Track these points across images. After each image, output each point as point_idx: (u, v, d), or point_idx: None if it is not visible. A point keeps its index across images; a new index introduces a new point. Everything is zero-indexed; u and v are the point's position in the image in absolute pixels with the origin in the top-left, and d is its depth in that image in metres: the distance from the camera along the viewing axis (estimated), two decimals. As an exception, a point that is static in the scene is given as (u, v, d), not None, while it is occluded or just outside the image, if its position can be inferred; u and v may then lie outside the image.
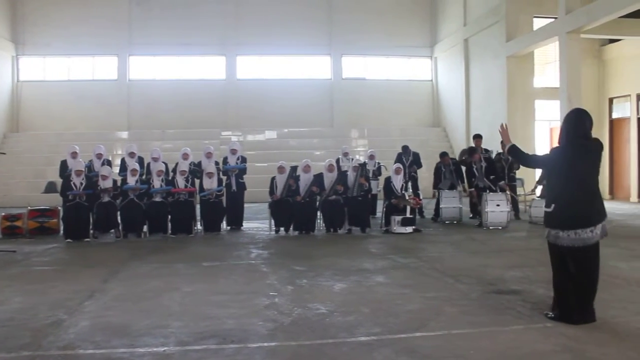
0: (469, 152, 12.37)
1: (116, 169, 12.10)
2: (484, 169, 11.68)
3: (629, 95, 16.78)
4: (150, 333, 4.56)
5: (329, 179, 10.85)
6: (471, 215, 12.42)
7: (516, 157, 5.26)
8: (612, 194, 17.35)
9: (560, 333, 4.41)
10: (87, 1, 21.07)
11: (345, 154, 13.07)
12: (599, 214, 4.73)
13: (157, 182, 10.54)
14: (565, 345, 4.15)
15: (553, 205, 4.77)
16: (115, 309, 5.32)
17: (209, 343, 4.32)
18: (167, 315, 5.07)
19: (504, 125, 5.48)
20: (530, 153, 5.32)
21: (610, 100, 17.66)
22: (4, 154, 15.48)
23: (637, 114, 16.42)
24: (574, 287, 4.66)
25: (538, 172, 12.95)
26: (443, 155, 12.63)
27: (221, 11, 21.82)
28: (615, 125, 17.31)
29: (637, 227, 10.94)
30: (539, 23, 16.85)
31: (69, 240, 9.86)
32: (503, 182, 11.69)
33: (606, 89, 17.74)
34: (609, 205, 14.78)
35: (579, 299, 4.64)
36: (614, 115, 17.56)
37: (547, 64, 18.46)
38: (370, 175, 11.88)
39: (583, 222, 4.66)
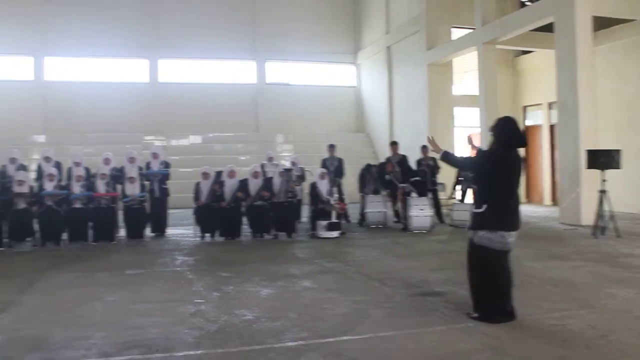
0: (379, 168, 12.79)
1: (32, 174, 11.56)
2: (400, 175, 11.97)
3: (541, 104, 17.66)
4: (70, 345, 4.39)
5: (254, 184, 10.81)
6: (396, 220, 12.68)
7: (449, 162, 5.38)
8: (528, 198, 18.17)
9: (481, 332, 4.57)
10: (0, -1, 20.04)
11: (270, 159, 13.02)
12: (520, 222, 4.99)
13: (76, 188, 10.17)
14: (486, 343, 4.31)
15: (485, 206, 4.94)
16: (32, 322, 5.08)
17: (133, 353, 4.21)
18: (89, 326, 4.90)
19: (430, 137, 5.66)
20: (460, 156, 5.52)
21: (524, 109, 18.52)
22: None
23: (549, 121, 17.29)
24: (493, 289, 4.85)
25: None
26: (369, 167, 12.89)
27: (143, 13, 21.27)
28: (529, 132, 18.14)
29: (551, 228, 11.50)
30: (457, 33, 17.47)
31: (-20, 250, 9.35)
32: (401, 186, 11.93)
33: (520, 97, 18.59)
34: (525, 209, 15.50)
35: (498, 300, 4.84)
36: (528, 123, 18.42)
37: (466, 73, 19.14)
38: (294, 180, 11.91)
39: (510, 226, 4.88)
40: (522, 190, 17.47)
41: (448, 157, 5.35)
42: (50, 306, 5.69)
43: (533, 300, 5.53)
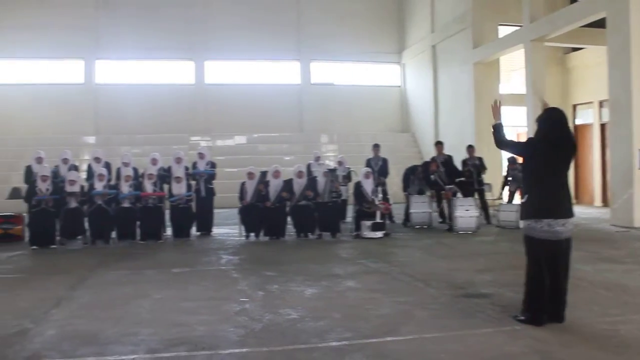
0: (424, 167, 12.71)
1: (83, 174, 11.90)
2: (444, 174, 11.85)
3: (592, 102, 17.18)
4: (119, 341, 4.49)
5: (299, 184, 10.85)
6: (440, 220, 12.53)
7: (497, 134, 5.08)
8: (577, 199, 17.70)
9: (528, 335, 4.47)
10: (52, 4, 20.65)
11: (317, 159, 13.05)
12: (571, 209, 4.83)
13: (125, 188, 10.41)
14: (533, 347, 4.21)
15: (527, 196, 4.84)
16: (83, 317, 5.23)
17: (180, 350, 4.28)
18: (137, 323, 5.00)
19: (498, 102, 5.29)
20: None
21: (574, 107, 18.05)
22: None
23: (600, 120, 16.81)
24: (543, 286, 4.70)
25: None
26: (414, 168, 12.81)
27: (189, 16, 21.66)
28: (579, 131, 17.67)
29: (602, 230, 11.18)
30: (504, 31, 17.16)
31: (34, 247, 9.66)
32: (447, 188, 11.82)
33: (570, 95, 18.13)
34: (574, 210, 15.11)
35: (546, 300, 4.69)
36: (578, 122, 17.95)
37: (513, 71, 18.78)
38: (340, 180, 11.91)
39: (558, 213, 4.71)
40: (571, 186, 17.15)
41: (499, 130, 5.07)
42: (100, 302, 5.84)
43: (583, 304, 5.36)
